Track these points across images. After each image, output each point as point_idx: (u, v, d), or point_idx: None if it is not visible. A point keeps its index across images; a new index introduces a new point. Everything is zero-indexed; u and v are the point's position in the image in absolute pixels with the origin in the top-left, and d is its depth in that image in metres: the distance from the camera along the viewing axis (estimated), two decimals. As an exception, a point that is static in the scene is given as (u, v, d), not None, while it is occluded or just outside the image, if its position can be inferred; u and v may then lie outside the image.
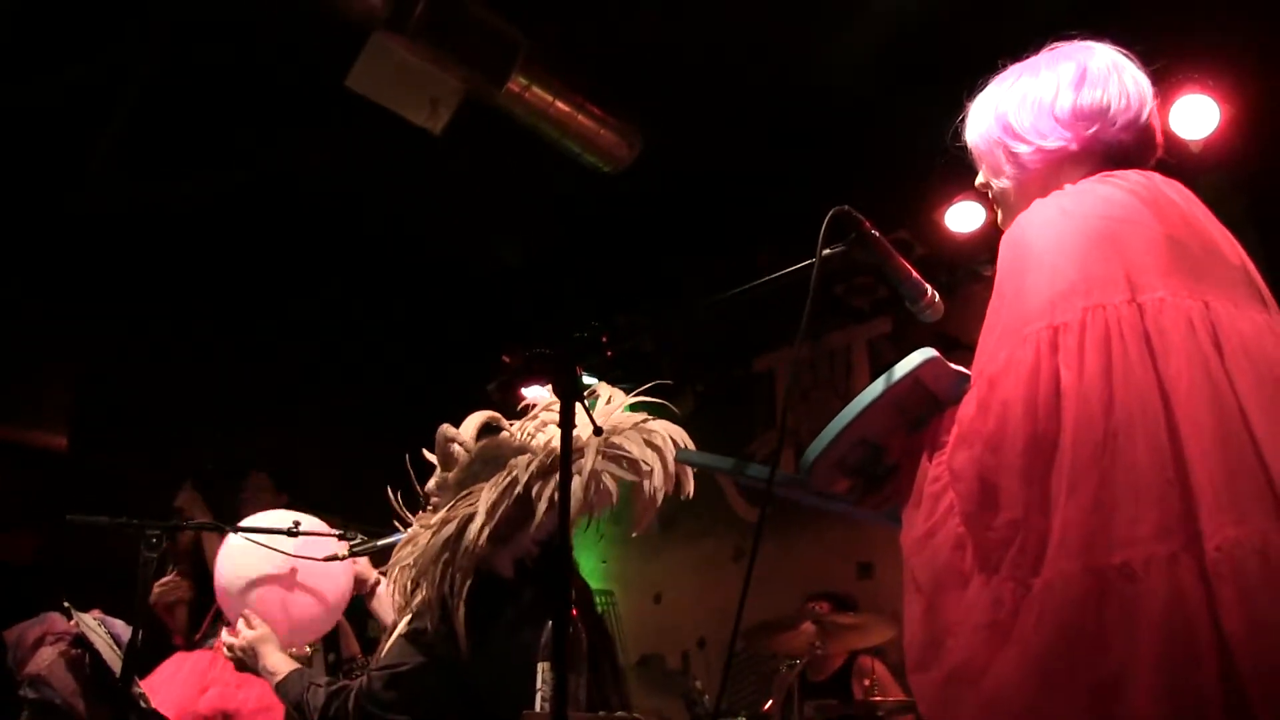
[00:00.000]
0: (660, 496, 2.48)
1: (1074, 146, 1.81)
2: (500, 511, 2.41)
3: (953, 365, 1.83)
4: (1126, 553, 1.42)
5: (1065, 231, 1.65)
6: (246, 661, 2.79)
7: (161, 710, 3.66)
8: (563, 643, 1.77)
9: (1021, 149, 1.84)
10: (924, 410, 1.82)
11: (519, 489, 2.42)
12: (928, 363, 1.78)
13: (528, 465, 2.45)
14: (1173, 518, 1.42)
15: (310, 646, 3.09)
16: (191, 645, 4.05)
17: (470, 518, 2.42)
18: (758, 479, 1.89)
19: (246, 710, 3.61)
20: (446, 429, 2.71)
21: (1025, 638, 1.46)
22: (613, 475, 2.44)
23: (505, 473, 2.48)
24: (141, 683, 3.86)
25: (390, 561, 2.61)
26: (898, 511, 1.80)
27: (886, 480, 1.84)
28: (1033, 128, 1.82)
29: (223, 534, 3.27)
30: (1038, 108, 1.82)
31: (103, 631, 3.18)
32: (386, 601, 2.92)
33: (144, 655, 3.80)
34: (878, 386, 1.78)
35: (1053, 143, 1.81)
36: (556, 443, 2.54)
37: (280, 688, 2.66)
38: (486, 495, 2.44)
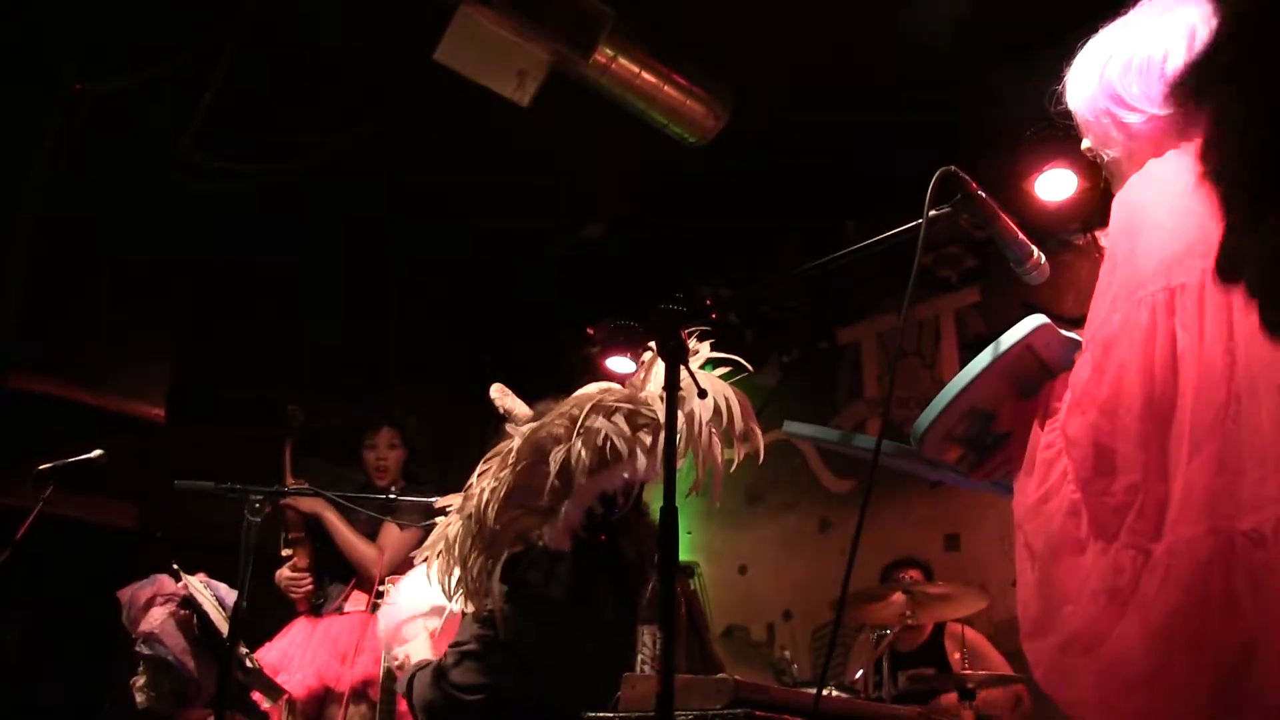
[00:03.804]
0: (692, 450, 2.36)
1: (1153, 119, 1.73)
2: (505, 484, 2.39)
3: (1064, 331, 1.80)
4: (1255, 517, 1.38)
5: (1180, 192, 1.61)
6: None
7: (304, 675, 3.80)
8: (668, 607, 1.77)
9: (1132, 118, 1.75)
10: (1034, 378, 1.79)
11: (532, 457, 2.39)
12: (1039, 329, 1.75)
13: (530, 433, 2.41)
14: None
15: None
16: (318, 611, 4.15)
17: (483, 495, 2.41)
18: (866, 449, 1.87)
19: None
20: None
21: (1147, 604, 1.43)
22: (621, 435, 2.34)
23: (508, 444, 2.47)
24: (271, 645, 4.00)
25: (425, 546, 2.59)
26: (1008, 481, 1.78)
27: (996, 449, 1.81)
28: (1143, 95, 1.73)
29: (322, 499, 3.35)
30: (1147, 73, 1.72)
31: (209, 593, 3.28)
32: None
33: (264, 617, 3.93)
34: (988, 354, 1.76)
35: (1166, 109, 1.72)
36: (568, 406, 2.50)
37: (398, 682, 2.71)
38: (495, 470, 2.43)
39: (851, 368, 6.32)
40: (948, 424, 1.78)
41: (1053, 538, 1.58)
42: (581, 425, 2.37)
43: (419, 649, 2.78)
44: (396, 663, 2.85)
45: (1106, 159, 1.86)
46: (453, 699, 2.41)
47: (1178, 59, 1.71)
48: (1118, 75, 1.76)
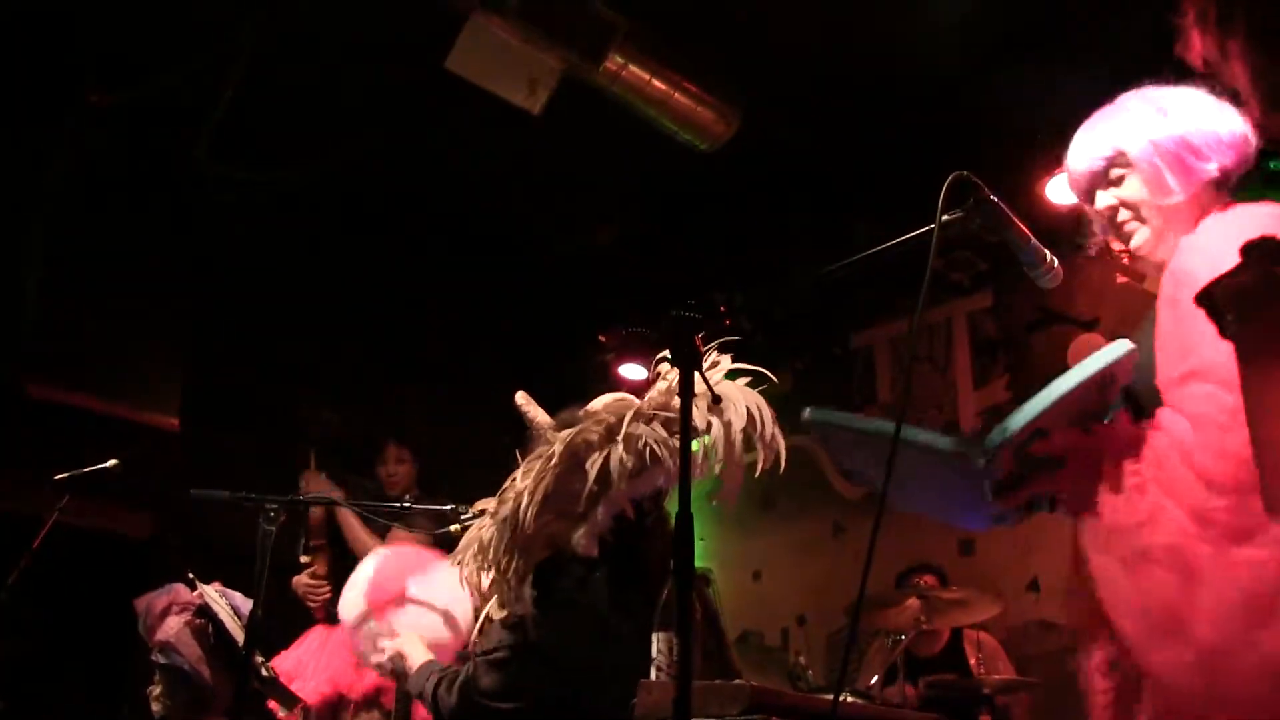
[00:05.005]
0: (725, 458, 2.39)
1: (1217, 174, 1.85)
2: (544, 488, 2.40)
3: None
4: None
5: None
6: (398, 670, 2.80)
7: (318, 683, 3.80)
8: (684, 614, 1.76)
9: (1206, 167, 1.85)
10: (1093, 403, 1.79)
11: (569, 462, 2.40)
12: (1130, 354, 1.76)
13: (568, 439, 2.43)
14: None
15: None
16: (333, 620, 4.15)
17: (520, 498, 2.42)
18: (911, 441, 1.80)
19: None
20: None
21: None
22: (660, 442, 2.37)
23: (547, 447, 2.47)
24: (286, 653, 4.01)
25: (458, 550, 2.60)
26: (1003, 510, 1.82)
27: (1044, 470, 1.80)
28: (1206, 146, 1.84)
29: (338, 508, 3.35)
30: (1211, 129, 1.85)
31: (224, 602, 3.29)
32: None
33: (281, 626, 3.93)
34: (1080, 372, 1.75)
35: (1217, 165, 1.85)
36: (602, 414, 2.51)
37: (408, 681, 2.70)
38: (536, 473, 2.44)
39: (865, 372, 6.31)
40: (1021, 439, 1.76)
41: (1175, 551, 1.61)
42: (624, 432, 2.39)
43: (415, 650, 2.77)
44: (385, 657, 2.83)
45: (1151, 205, 1.90)
46: (484, 707, 2.41)
47: (1233, 121, 1.85)
48: (1191, 124, 1.86)
